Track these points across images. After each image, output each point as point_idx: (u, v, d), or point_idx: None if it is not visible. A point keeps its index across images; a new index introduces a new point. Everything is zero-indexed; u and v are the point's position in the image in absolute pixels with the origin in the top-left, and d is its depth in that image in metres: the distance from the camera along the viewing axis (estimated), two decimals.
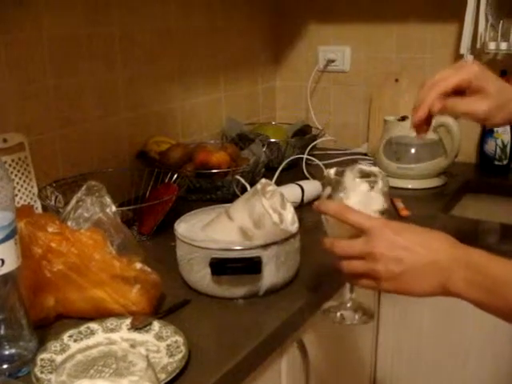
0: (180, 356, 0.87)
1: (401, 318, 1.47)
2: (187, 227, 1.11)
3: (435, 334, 1.44)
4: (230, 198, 1.48)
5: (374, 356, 1.53)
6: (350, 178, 0.91)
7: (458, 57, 1.77)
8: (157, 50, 1.62)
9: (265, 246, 1.03)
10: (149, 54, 1.60)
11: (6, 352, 0.87)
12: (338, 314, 1.00)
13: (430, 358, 1.48)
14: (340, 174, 0.92)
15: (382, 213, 0.90)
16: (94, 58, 1.45)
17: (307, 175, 1.67)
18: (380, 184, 0.89)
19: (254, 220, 1.03)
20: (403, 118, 1.69)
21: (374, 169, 0.93)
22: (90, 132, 1.47)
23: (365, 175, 0.92)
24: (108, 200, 1.05)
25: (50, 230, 0.96)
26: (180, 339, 0.91)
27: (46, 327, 0.98)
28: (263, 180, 1.07)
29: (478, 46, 1.66)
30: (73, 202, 1.06)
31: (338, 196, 0.90)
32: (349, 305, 0.99)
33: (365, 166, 0.95)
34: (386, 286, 0.85)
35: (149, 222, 1.31)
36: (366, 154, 1.93)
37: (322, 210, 0.90)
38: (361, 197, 0.89)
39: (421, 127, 1.06)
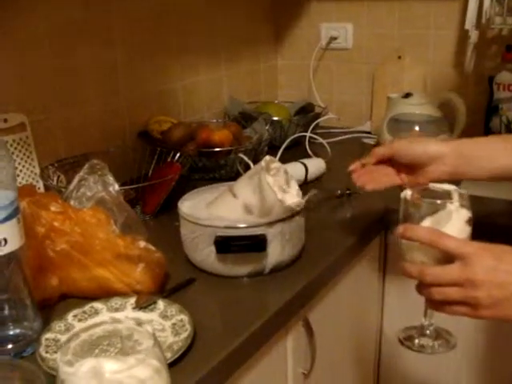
0: (186, 335, 0.87)
1: (405, 299, 1.46)
2: (191, 205, 1.09)
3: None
4: (234, 177, 1.47)
5: (378, 336, 1.53)
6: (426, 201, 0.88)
7: (463, 32, 1.75)
8: (156, 28, 1.60)
9: (270, 224, 1.01)
10: (147, 33, 1.58)
11: (11, 332, 0.86)
12: (416, 341, 0.95)
13: None
14: (420, 195, 0.89)
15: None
16: (93, 38, 1.43)
17: (310, 153, 1.66)
18: (456, 203, 0.86)
19: (259, 197, 1.02)
20: (407, 95, 1.67)
21: (447, 186, 0.91)
22: (91, 112, 1.46)
23: (438, 194, 0.89)
24: (111, 179, 1.04)
25: (52, 209, 0.95)
26: (185, 318, 0.90)
27: (50, 307, 0.97)
28: (267, 157, 1.06)
29: (483, 21, 1.64)
30: (75, 180, 1.05)
31: (423, 221, 0.87)
32: (428, 332, 0.95)
33: (437, 185, 0.93)
34: (485, 314, 0.81)
35: (152, 201, 1.30)
36: (369, 133, 1.92)
37: (409, 235, 0.85)
38: (440, 221, 0.86)
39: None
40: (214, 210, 1.07)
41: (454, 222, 0.86)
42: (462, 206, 0.87)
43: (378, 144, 1.75)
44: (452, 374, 1.45)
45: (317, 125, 1.80)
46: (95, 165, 1.05)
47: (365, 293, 1.42)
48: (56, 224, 0.95)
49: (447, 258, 0.82)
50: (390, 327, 1.50)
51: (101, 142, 1.48)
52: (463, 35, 1.76)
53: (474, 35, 1.67)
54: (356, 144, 1.84)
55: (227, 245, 1.01)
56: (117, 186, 1.05)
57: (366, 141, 1.84)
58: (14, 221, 0.83)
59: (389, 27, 1.87)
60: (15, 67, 1.28)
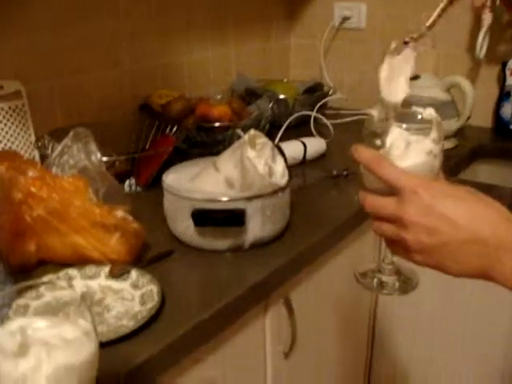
0: (151, 305, 0.86)
1: None
2: (175, 178, 1.09)
3: (434, 300, 1.41)
4: None
5: (372, 323, 1.51)
6: (394, 123, 0.74)
7: (476, 15, 1.70)
8: (162, 0, 1.59)
9: (249, 198, 1.00)
10: (153, 5, 1.56)
11: None
12: (376, 279, 0.86)
13: (428, 325, 1.46)
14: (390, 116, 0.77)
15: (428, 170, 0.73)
16: (96, 7, 1.43)
17: (314, 133, 1.63)
18: (433, 134, 0.73)
19: (240, 171, 1.01)
20: (415, 77, 1.63)
21: (429, 113, 0.78)
22: (91, 82, 1.45)
23: (414, 119, 0.77)
24: (93, 147, 1.04)
25: (30, 174, 0.95)
26: (154, 288, 0.90)
27: (27, 273, 0.98)
28: (252, 131, 1.05)
29: (498, 3, 1.58)
30: (59, 148, 1.04)
31: (375, 143, 0.74)
32: (388, 269, 0.85)
33: (419, 109, 0.80)
34: (417, 259, 0.70)
35: (145, 173, 1.30)
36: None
37: (354, 156, 0.73)
38: (404, 148, 0.72)
39: None
40: (196, 183, 1.06)
41: (417, 153, 0.72)
42: (434, 137, 0.73)
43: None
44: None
45: (325, 105, 1.78)
46: (80, 133, 1.05)
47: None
48: (33, 190, 0.95)
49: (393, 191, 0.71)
50: (385, 306, 1.48)
51: (100, 113, 1.48)
52: (475, 17, 1.71)
53: (487, 18, 1.62)
54: (362, 125, 1.80)
55: (204, 217, 1.00)
56: (99, 155, 1.05)
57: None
58: None
59: (403, 7, 1.83)
60: (13, 33, 1.28)
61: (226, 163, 1.03)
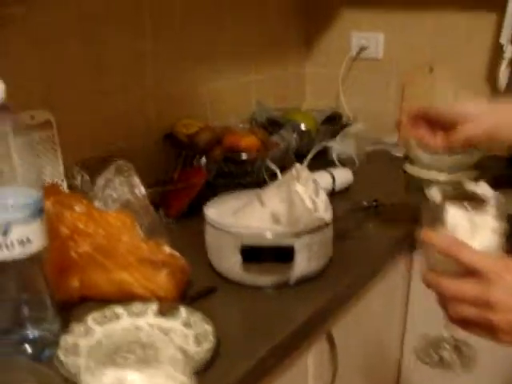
0: (209, 345, 0.84)
1: (429, 316, 1.43)
2: (217, 212, 1.07)
3: None
4: (259, 184, 1.45)
5: (399, 353, 1.50)
6: (456, 205, 0.78)
7: (496, 45, 1.71)
8: (186, 28, 1.58)
9: (298, 234, 0.99)
10: (178, 31, 1.56)
11: (30, 334, 0.84)
12: (435, 355, 0.86)
13: None
14: (447, 196, 0.81)
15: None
16: (123, 32, 1.42)
17: (337, 163, 1.63)
18: (494, 211, 0.76)
19: (287, 206, 0.99)
20: None
21: (486, 190, 0.81)
22: (117, 111, 1.44)
23: (469, 196, 0.81)
24: (137, 181, 1.02)
25: (77, 209, 0.93)
26: (208, 327, 0.88)
27: (70, 309, 0.95)
28: (298, 166, 1.04)
29: None
30: (101, 181, 1.03)
31: (443, 225, 0.78)
32: (447, 345, 0.86)
33: (473, 186, 0.83)
34: (505, 339, 0.71)
35: (176, 205, 1.28)
36: (396, 144, 1.88)
37: (428, 242, 0.77)
38: (469, 228, 0.76)
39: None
40: (240, 217, 1.04)
41: (484, 232, 0.77)
42: (496, 215, 0.77)
43: (406, 156, 1.73)
44: None
45: (344, 134, 1.77)
46: (121, 166, 1.04)
47: (388, 308, 1.39)
48: (80, 225, 0.93)
49: (468, 271, 0.74)
50: (411, 343, 1.47)
51: (126, 143, 1.46)
52: (496, 48, 1.72)
53: (509, 50, 1.63)
54: (384, 155, 1.81)
55: (254, 254, 0.98)
56: (143, 189, 1.03)
57: (394, 153, 1.80)
58: (39, 220, 0.81)
59: (420, 38, 1.84)
60: (41, 62, 1.26)
61: (273, 198, 1.02)
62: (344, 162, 1.64)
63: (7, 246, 0.78)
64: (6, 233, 0.78)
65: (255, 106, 1.83)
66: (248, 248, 0.98)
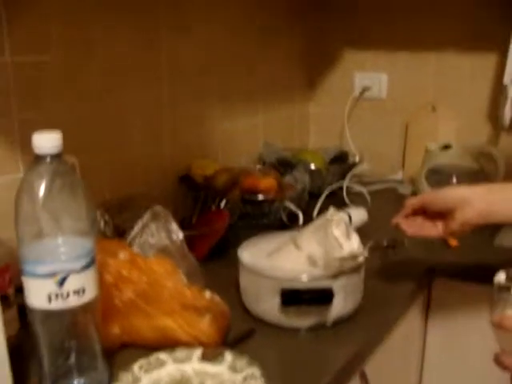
0: None
1: (447, 352, 1.45)
2: (251, 255, 1.09)
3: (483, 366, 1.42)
4: (277, 225, 1.47)
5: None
6: None
7: (498, 85, 1.76)
8: (200, 73, 1.61)
9: (335, 276, 1.01)
10: (192, 76, 1.59)
11: (81, 382, 0.84)
12: None
13: None
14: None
15: None
16: (140, 81, 1.44)
17: (348, 203, 1.66)
18: None
19: (325, 249, 1.01)
20: (446, 147, 1.68)
21: None
22: (135, 154, 1.45)
23: None
24: (174, 226, 1.03)
25: (121, 256, 0.94)
26: (256, 371, 0.88)
27: (111, 357, 0.96)
28: (331, 209, 1.06)
29: None
30: (138, 226, 1.04)
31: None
32: None
33: None
34: None
35: (201, 248, 1.29)
36: (401, 182, 1.92)
37: (508, 326, 0.80)
38: None
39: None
40: (275, 260, 1.06)
41: None
42: None
43: (414, 194, 1.76)
44: None
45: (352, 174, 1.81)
46: (158, 211, 1.05)
47: (408, 345, 1.40)
48: (124, 272, 0.94)
49: None
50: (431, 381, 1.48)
51: (143, 186, 1.47)
52: (498, 87, 1.77)
53: None
54: (391, 193, 1.84)
55: (293, 297, 0.99)
56: (181, 235, 1.04)
57: (401, 190, 1.84)
58: (92, 269, 0.82)
59: (423, 78, 1.89)
60: (69, 110, 1.28)
61: (309, 241, 1.04)
62: (354, 201, 1.67)
63: (63, 296, 0.79)
64: (62, 283, 0.79)
65: (263, 147, 1.86)
66: (287, 291, 0.99)
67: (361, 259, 1.05)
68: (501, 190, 1.07)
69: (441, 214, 1.09)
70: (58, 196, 0.78)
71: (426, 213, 1.13)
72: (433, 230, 1.12)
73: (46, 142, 0.77)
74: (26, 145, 1.15)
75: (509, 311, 0.81)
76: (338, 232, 1.00)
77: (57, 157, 0.79)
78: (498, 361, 0.82)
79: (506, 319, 0.80)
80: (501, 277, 0.84)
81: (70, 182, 0.80)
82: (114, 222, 1.27)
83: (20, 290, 1.04)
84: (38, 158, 0.78)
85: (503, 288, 0.83)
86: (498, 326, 0.81)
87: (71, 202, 0.80)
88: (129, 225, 1.18)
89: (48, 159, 0.78)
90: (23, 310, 0.99)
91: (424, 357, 1.47)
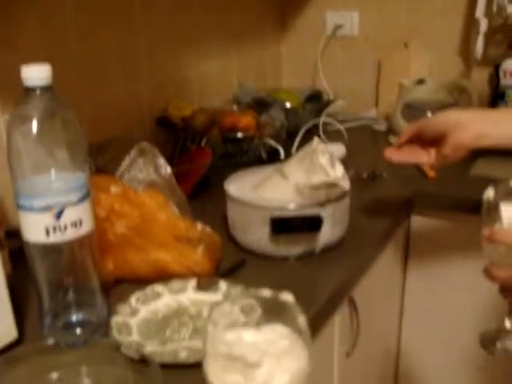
0: (257, 315, 0.87)
1: (426, 283, 1.49)
2: (238, 188, 1.10)
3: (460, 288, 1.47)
4: (257, 162, 1.48)
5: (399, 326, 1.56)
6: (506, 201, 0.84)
7: (469, 19, 1.78)
8: (173, 15, 1.59)
9: (323, 204, 1.03)
10: (166, 20, 1.57)
11: (80, 317, 0.85)
12: (499, 345, 0.89)
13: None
14: (502, 193, 0.85)
15: None
16: (115, 23, 1.41)
17: (325, 140, 1.67)
18: None
19: (311, 178, 1.03)
20: (421, 82, 1.70)
21: None
22: (113, 97, 1.44)
23: None
24: (162, 161, 1.04)
25: (113, 191, 0.94)
26: (253, 300, 0.90)
27: (106, 293, 0.96)
28: (316, 139, 1.07)
29: (494, 9, 1.67)
30: (125, 163, 1.04)
31: (500, 222, 0.84)
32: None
33: None
34: None
35: (184, 186, 1.29)
36: (375, 119, 1.94)
37: (496, 239, 0.83)
38: None
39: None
40: (263, 191, 1.07)
41: None
42: None
43: (389, 130, 1.78)
44: None
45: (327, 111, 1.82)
46: (144, 147, 1.05)
47: (388, 277, 1.44)
48: (116, 207, 0.94)
49: None
50: (410, 311, 1.53)
51: (122, 129, 1.46)
52: (470, 22, 1.78)
53: (484, 24, 1.70)
54: (367, 130, 1.86)
55: (283, 225, 1.01)
56: (169, 169, 1.05)
57: (376, 127, 1.86)
58: (88, 202, 0.82)
59: (395, 15, 1.89)
60: (43, 51, 1.26)
61: (295, 170, 1.05)
62: (331, 139, 1.69)
63: (60, 229, 0.79)
64: (59, 216, 0.79)
65: (237, 88, 1.85)
66: (276, 220, 1.01)
67: (346, 186, 1.07)
68: (496, 114, 1.09)
69: (435, 142, 1.10)
70: (50, 128, 0.78)
71: (421, 141, 1.13)
72: (424, 156, 1.13)
73: (36, 73, 0.76)
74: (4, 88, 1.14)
75: (498, 225, 0.84)
76: (323, 159, 1.02)
77: (47, 89, 0.77)
78: (487, 272, 0.84)
79: (495, 233, 0.82)
80: (490, 193, 0.86)
81: (61, 114, 0.79)
82: (96, 163, 1.27)
83: (9, 234, 1.05)
84: (28, 91, 0.77)
85: (492, 204, 0.85)
86: (488, 240, 0.83)
87: (64, 134, 0.79)
88: (111, 166, 1.18)
89: (38, 91, 0.77)
90: (13, 254, 1.00)
91: (405, 283, 1.52)
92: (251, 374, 0.52)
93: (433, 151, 1.12)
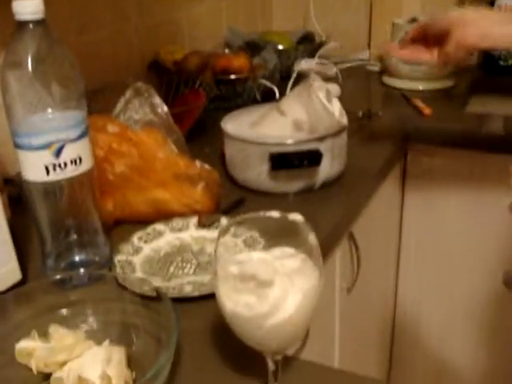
0: (260, 247, 0.87)
1: (423, 217, 1.50)
2: (234, 127, 1.09)
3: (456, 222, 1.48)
4: (251, 105, 1.47)
5: (397, 253, 1.57)
6: None
7: None
8: None
9: (322, 139, 1.02)
10: None
11: (83, 257, 0.85)
12: None
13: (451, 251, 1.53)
14: None
15: None
16: None
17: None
18: None
19: (309, 113, 1.02)
20: (413, 20, 1.67)
21: None
22: (104, 44, 1.41)
23: None
24: (158, 100, 1.02)
25: (110, 130, 0.93)
26: (254, 233, 0.90)
27: (107, 234, 0.96)
28: (313, 75, 1.06)
29: None
30: (121, 103, 1.02)
31: None
32: None
33: None
34: None
35: (180, 128, 1.28)
36: (368, 60, 1.92)
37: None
38: None
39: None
40: (260, 128, 1.06)
41: None
42: None
43: (383, 71, 1.76)
44: None
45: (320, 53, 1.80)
46: (140, 87, 1.03)
47: (387, 212, 1.45)
48: (114, 146, 0.94)
49: None
50: (408, 245, 1.54)
51: (113, 75, 1.44)
52: None
53: None
54: (360, 70, 1.85)
55: (283, 161, 1.01)
56: (165, 108, 1.03)
57: (370, 68, 1.84)
58: (87, 139, 0.81)
59: None
60: None
61: (293, 106, 1.04)
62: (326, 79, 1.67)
63: (60, 166, 0.78)
64: (58, 153, 0.78)
65: (227, 32, 1.83)
66: (276, 156, 1.01)
67: (344, 121, 1.06)
68: (502, 15, 1.11)
69: (439, 42, 1.09)
70: (45, 64, 0.76)
71: (425, 41, 1.12)
72: (426, 54, 1.11)
73: (28, 7, 0.74)
74: None
75: None
76: (321, 94, 1.01)
77: (40, 23, 0.75)
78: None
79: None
80: None
81: (55, 49, 0.77)
82: (89, 109, 1.25)
83: (6, 182, 1.04)
84: (21, 26, 0.75)
85: None
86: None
87: (59, 70, 0.77)
88: (106, 111, 1.16)
89: (31, 26, 0.75)
90: (11, 202, 0.99)
91: (402, 218, 1.52)
92: (263, 293, 0.52)
93: (436, 51, 1.11)
